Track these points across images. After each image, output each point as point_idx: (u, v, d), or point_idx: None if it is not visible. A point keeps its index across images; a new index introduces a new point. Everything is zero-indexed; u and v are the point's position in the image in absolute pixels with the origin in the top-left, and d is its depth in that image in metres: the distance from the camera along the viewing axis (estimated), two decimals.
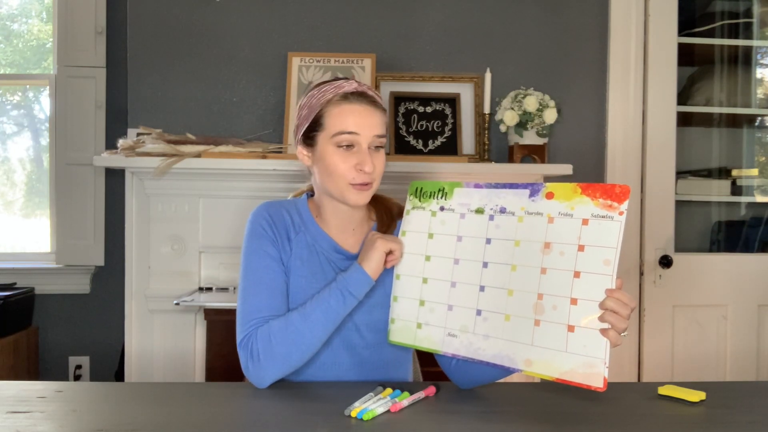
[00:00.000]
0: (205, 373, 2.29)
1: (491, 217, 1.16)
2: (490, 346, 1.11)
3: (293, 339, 1.22)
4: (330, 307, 1.23)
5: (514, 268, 1.11)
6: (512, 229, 1.13)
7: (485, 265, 1.15)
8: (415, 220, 1.26)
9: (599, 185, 1.04)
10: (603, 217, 1.03)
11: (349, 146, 1.26)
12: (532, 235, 1.10)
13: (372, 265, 1.24)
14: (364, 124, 1.26)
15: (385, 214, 1.39)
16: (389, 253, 1.25)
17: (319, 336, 1.24)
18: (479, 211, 1.18)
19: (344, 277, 1.24)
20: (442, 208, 1.23)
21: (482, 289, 1.14)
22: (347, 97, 1.27)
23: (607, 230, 1.02)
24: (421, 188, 1.27)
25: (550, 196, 1.10)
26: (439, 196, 1.24)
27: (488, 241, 1.15)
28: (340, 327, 1.30)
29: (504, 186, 1.16)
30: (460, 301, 1.17)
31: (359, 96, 1.27)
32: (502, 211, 1.15)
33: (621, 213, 1.01)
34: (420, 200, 1.26)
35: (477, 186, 1.19)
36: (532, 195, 1.12)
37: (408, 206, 1.28)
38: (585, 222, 1.04)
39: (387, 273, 1.33)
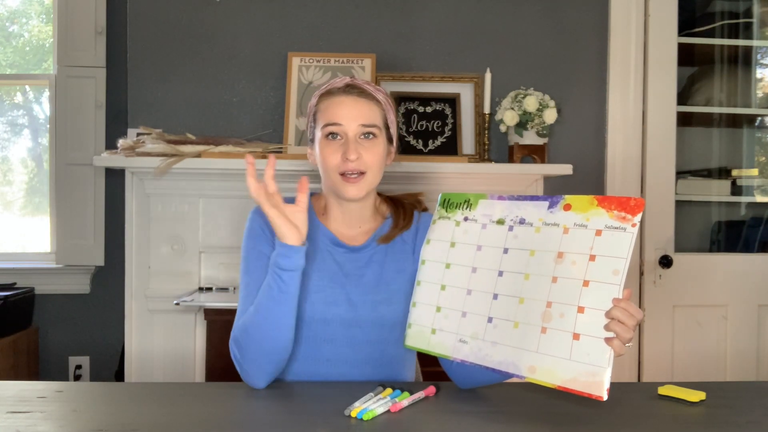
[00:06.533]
0: (205, 373, 2.29)
1: (510, 228, 1.17)
2: (497, 353, 1.11)
3: (254, 333, 1.22)
4: (271, 289, 1.21)
5: (527, 277, 1.11)
6: (529, 239, 1.13)
7: (500, 273, 1.15)
8: (440, 229, 1.28)
9: (615, 198, 1.05)
10: (616, 228, 1.03)
11: (335, 136, 1.30)
12: (547, 245, 1.10)
13: (286, 234, 1.19)
14: (348, 114, 1.30)
15: (403, 210, 1.41)
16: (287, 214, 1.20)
17: (279, 321, 1.21)
18: (500, 221, 1.19)
19: (272, 257, 1.22)
20: (465, 219, 1.25)
21: (495, 297, 1.14)
22: (335, 91, 1.33)
23: (618, 241, 1.02)
24: (449, 199, 1.29)
25: (567, 207, 1.10)
26: (465, 207, 1.26)
27: (505, 250, 1.16)
28: (344, 324, 1.31)
29: (525, 198, 1.18)
30: (473, 309, 1.17)
31: (347, 88, 1.33)
32: (522, 222, 1.16)
33: (634, 225, 1.02)
34: (446, 210, 1.29)
35: (500, 198, 1.21)
36: (550, 207, 1.13)
37: (435, 216, 1.31)
38: (598, 233, 1.05)
39: (393, 273, 1.35)
